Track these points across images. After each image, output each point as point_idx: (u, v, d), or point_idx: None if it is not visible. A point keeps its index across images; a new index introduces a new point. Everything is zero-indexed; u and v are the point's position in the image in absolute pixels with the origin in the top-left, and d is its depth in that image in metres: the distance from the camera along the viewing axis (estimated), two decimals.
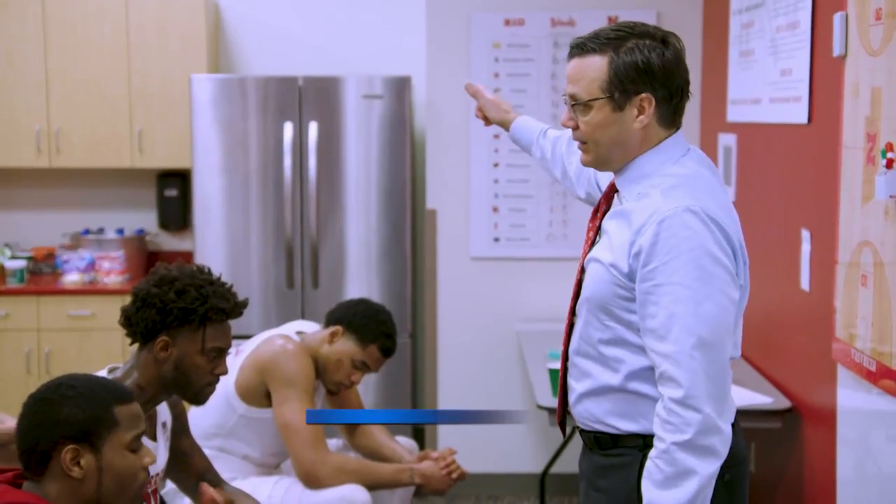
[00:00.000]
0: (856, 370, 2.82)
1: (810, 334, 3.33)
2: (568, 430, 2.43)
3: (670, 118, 2.17)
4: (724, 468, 2.13)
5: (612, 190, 2.26)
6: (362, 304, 3.54)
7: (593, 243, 2.25)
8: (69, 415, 1.95)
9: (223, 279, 2.70)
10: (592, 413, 2.23)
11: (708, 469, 2.03)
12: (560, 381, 2.33)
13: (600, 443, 2.23)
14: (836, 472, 3.04)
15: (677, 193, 2.09)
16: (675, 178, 2.12)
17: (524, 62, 4.96)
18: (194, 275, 2.63)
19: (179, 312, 2.57)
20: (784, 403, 3.51)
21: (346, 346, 3.45)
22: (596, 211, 2.31)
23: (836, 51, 2.96)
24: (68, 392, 1.98)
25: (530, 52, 4.95)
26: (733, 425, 2.22)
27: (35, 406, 1.99)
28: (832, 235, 3.01)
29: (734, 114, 4.27)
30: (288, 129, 5.01)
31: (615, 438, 2.20)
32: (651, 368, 2.12)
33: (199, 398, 2.67)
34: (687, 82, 2.17)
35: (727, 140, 4.36)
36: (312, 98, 5.03)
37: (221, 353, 2.64)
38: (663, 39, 2.15)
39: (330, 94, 5.03)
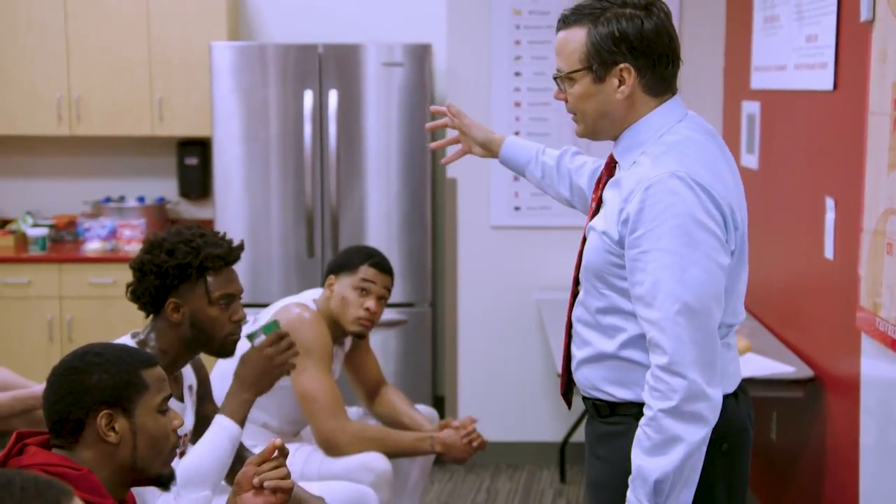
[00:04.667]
0: (880, 339, 2.79)
1: (834, 303, 3.30)
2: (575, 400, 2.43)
3: (658, 86, 2.16)
4: (722, 438, 2.14)
5: (612, 160, 2.26)
6: (343, 249, 3.57)
7: (595, 213, 2.26)
8: (100, 381, 1.94)
9: (238, 246, 2.71)
10: (590, 380, 2.25)
11: (695, 436, 2.02)
12: (564, 350, 2.35)
13: (599, 410, 2.25)
14: (860, 441, 3.02)
15: (665, 159, 2.08)
16: (666, 145, 2.12)
17: (546, 29, 4.91)
18: (181, 231, 2.66)
19: (176, 270, 2.60)
20: (807, 373, 3.49)
21: (341, 285, 3.45)
22: (598, 181, 2.32)
23: (864, 16, 2.92)
24: (95, 359, 1.97)
25: (551, 20, 4.89)
26: (736, 395, 2.22)
27: (63, 376, 1.97)
28: (857, 203, 2.98)
29: (758, 81, 4.21)
30: (308, 97, 4.99)
31: (612, 406, 2.22)
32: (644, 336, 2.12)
33: (225, 349, 2.69)
34: (673, 50, 2.15)
35: (751, 107, 4.31)
36: (332, 66, 5.00)
37: (232, 298, 2.66)
38: (646, 7, 2.13)
39: (350, 62, 5.00)
